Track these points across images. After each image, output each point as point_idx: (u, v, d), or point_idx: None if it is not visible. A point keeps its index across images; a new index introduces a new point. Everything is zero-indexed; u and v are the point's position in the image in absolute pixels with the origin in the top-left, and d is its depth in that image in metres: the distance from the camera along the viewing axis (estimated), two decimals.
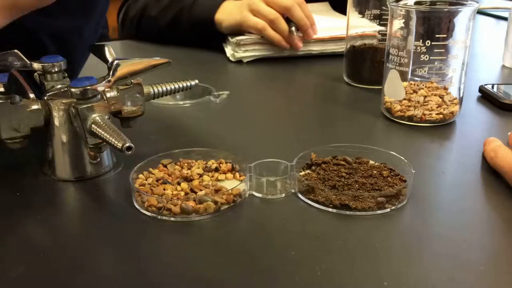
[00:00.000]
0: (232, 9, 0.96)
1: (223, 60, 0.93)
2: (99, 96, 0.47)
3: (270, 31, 0.90)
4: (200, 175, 0.48)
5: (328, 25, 0.94)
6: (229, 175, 0.48)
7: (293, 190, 0.46)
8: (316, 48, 0.93)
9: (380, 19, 0.75)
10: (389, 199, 0.44)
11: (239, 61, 0.91)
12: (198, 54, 0.94)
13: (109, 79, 0.46)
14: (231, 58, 0.92)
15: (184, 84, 0.58)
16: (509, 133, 0.55)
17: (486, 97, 0.71)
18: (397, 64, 0.61)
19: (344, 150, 0.52)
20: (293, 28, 0.90)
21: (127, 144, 0.41)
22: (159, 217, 0.43)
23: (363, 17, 0.76)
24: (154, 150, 0.52)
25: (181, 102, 0.71)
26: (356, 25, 0.77)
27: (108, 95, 0.49)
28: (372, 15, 0.75)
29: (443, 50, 0.59)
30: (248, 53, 0.92)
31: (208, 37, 0.98)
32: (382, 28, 0.75)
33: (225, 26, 0.95)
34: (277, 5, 0.90)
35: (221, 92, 0.72)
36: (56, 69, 0.50)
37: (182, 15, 1.00)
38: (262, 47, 0.92)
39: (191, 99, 0.72)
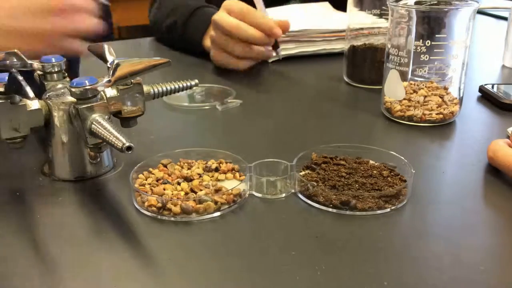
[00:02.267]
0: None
1: None
2: (99, 96, 0.47)
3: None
4: (200, 175, 0.48)
5: (333, 25, 0.93)
6: (229, 175, 0.48)
7: (293, 190, 0.46)
8: (321, 48, 0.92)
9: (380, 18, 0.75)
10: (389, 199, 0.44)
11: None
12: (198, 54, 0.94)
13: (109, 79, 0.46)
14: None
15: (184, 84, 0.58)
16: (508, 129, 0.55)
17: (486, 97, 0.71)
18: (397, 64, 0.61)
19: (344, 150, 0.52)
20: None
21: (127, 144, 0.41)
22: (159, 217, 0.43)
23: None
24: (154, 150, 0.52)
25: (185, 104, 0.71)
26: (356, 23, 0.77)
27: (108, 95, 0.49)
28: (372, 15, 0.75)
29: (443, 50, 0.59)
30: None
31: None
32: (383, 25, 0.74)
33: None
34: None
35: (232, 100, 0.70)
36: (56, 69, 0.50)
37: (176, 29, 0.96)
38: None
39: (206, 101, 0.71)
